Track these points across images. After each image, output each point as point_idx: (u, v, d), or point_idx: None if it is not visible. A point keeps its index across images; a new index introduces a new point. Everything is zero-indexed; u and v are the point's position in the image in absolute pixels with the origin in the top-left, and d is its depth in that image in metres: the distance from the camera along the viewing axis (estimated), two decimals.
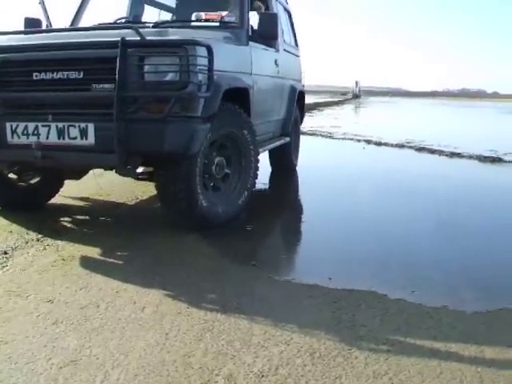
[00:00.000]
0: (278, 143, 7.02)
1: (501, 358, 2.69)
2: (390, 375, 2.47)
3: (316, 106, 34.36)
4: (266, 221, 5.51)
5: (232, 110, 4.80)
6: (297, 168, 8.59)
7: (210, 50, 4.13)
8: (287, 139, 7.44)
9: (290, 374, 2.46)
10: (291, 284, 3.69)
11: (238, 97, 4.97)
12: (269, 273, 3.86)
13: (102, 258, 4.07)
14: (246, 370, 2.49)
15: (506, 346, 2.80)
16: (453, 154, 10.92)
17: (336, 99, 54.76)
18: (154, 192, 4.77)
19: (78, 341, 2.74)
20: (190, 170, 4.35)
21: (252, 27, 5.87)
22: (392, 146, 12.52)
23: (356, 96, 71.05)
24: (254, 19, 6.04)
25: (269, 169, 8.18)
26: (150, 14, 7.45)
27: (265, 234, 5.11)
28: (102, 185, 6.31)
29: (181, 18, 6.71)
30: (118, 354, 2.61)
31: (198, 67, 4.09)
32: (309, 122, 17.64)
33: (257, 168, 5.22)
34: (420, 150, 11.72)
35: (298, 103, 8.05)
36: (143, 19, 6.87)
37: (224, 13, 5.79)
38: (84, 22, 6.30)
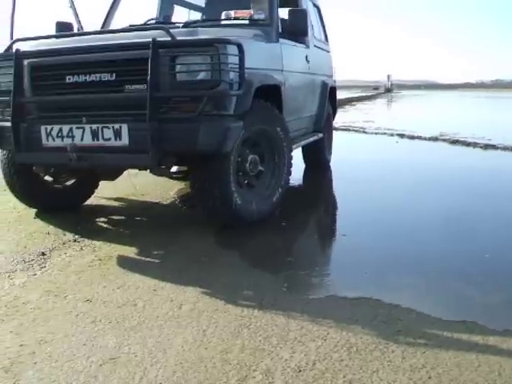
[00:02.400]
0: (310, 139, 7.00)
1: None
2: (427, 368, 2.46)
3: (348, 101, 34.27)
4: (301, 217, 5.51)
5: (264, 108, 4.79)
6: (330, 163, 8.56)
7: (240, 48, 4.14)
8: (320, 135, 7.40)
9: (327, 369, 2.46)
10: (327, 279, 3.71)
11: (270, 94, 4.97)
12: (305, 268, 3.87)
13: (139, 258, 4.11)
14: (283, 365, 2.50)
15: None
16: (487, 146, 10.82)
17: (368, 94, 54.58)
18: (188, 191, 4.78)
19: (116, 339, 2.78)
20: (224, 168, 4.37)
21: (282, 24, 5.85)
22: (426, 139, 12.43)
23: (388, 90, 70.80)
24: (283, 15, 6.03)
25: (302, 165, 8.17)
26: (180, 14, 7.49)
27: (300, 230, 5.12)
28: (136, 185, 6.37)
29: (210, 17, 6.73)
30: (157, 352, 2.64)
31: (230, 65, 4.10)
32: (341, 117, 17.59)
33: (290, 165, 5.20)
34: (454, 142, 11.61)
35: (329, 99, 8.00)
36: (173, 19, 6.91)
37: (253, 10, 5.79)
38: (114, 25, 6.36)
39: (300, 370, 2.45)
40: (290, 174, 5.26)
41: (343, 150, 10.01)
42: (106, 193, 6.08)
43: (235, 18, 5.87)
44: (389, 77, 76.51)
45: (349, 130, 14.86)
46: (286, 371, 2.44)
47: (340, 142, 10.16)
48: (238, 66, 4.16)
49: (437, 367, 2.48)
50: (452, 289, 3.45)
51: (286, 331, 2.84)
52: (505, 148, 10.49)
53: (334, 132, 9.27)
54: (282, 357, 2.57)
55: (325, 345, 2.69)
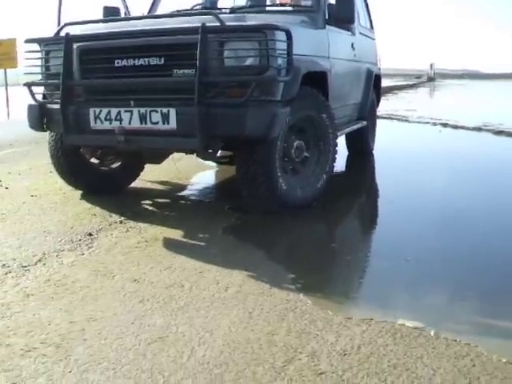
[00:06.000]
0: (355, 127, 6.98)
1: None
2: (471, 357, 2.46)
3: (391, 90, 33.99)
4: (344, 203, 5.52)
5: (311, 94, 4.79)
6: (373, 152, 8.55)
7: (288, 34, 4.14)
8: (364, 123, 7.37)
9: (372, 353, 2.48)
10: (370, 265, 3.75)
11: (316, 81, 4.96)
12: (348, 254, 3.89)
13: (184, 240, 4.15)
14: (328, 348, 2.52)
15: None
16: None
17: (410, 82, 54.06)
18: (232, 175, 4.82)
19: (164, 319, 2.82)
20: (270, 154, 4.38)
21: (328, 10, 5.83)
22: (469, 129, 12.26)
23: (431, 79, 69.92)
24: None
25: (345, 152, 8.15)
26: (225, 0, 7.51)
27: (343, 217, 5.14)
28: (180, 169, 6.42)
29: (255, 3, 6.75)
30: (204, 332, 2.67)
31: (278, 51, 4.11)
32: (384, 105, 17.44)
33: (335, 152, 5.18)
34: (498, 133, 11.40)
35: (374, 87, 7.97)
36: (219, 5, 6.93)
37: None
38: (161, 10, 6.41)
39: (345, 354, 2.47)
40: (335, 161, 5.25)
41: (386, 139, 9.96)
42: (150, 176, 6.15)
43: (281, 5, 5.88)
44: (431, 65, 75.56)
45: (391, 119, 14.77)
46: (332, 354, 2.46)
47: (383, 131, 10.10)
48: (286, 52, 4.17)
49: (481, 355, 2.47)
50: (498, 280, 3.45)
51: (331, 315, 2.86)
52: None
53: (377, 120, 9.22)
54: (327, 340, 2.59)
55: (369, 330, 2.71)
